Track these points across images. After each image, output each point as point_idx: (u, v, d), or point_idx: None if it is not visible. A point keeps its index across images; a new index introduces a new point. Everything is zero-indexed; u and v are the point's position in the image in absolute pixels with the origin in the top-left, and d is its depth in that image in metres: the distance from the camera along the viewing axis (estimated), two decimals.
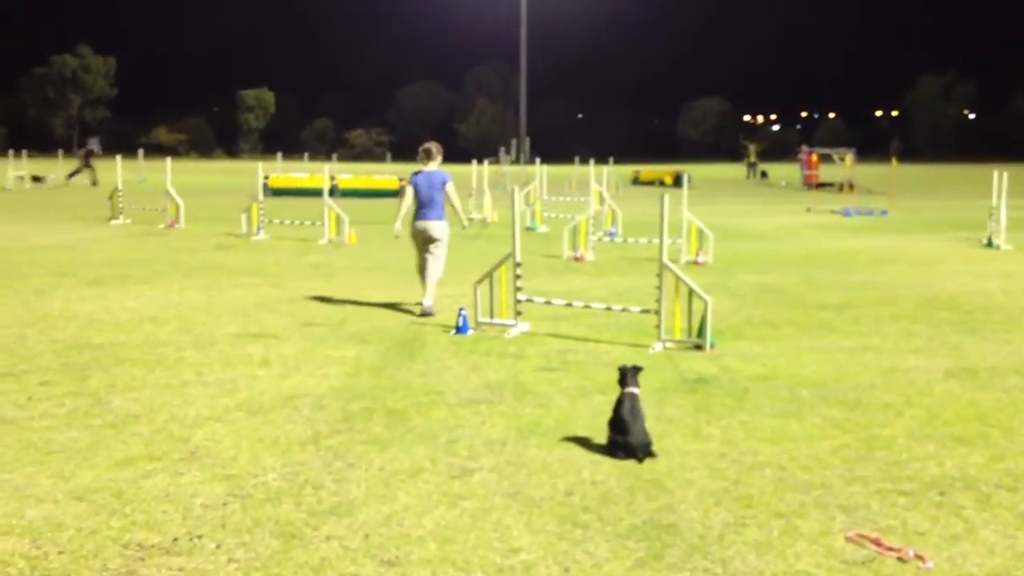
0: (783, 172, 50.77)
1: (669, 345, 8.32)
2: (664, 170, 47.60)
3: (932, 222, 23.14)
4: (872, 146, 78.26)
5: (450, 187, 10.07)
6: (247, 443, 5.65)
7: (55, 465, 5.23)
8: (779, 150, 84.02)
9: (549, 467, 5.27)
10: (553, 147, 71.62)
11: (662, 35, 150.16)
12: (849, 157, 37.52)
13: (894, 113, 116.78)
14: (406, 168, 48.90)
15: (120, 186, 21.37)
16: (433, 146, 10.28)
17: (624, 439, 5.37)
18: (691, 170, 41.80)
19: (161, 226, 19.83)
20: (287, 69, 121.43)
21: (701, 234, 14.96)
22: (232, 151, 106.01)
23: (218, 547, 4.21)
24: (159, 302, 10.65)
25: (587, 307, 9.53)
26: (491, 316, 9.09)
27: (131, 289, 11.58)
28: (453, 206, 10.17)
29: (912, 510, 4.69)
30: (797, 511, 4.66)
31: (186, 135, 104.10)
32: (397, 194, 32.64)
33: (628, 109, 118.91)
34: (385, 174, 38.09)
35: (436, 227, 10.01)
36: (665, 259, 8.32)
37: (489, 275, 9.08)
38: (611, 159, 38.31)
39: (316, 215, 18.49)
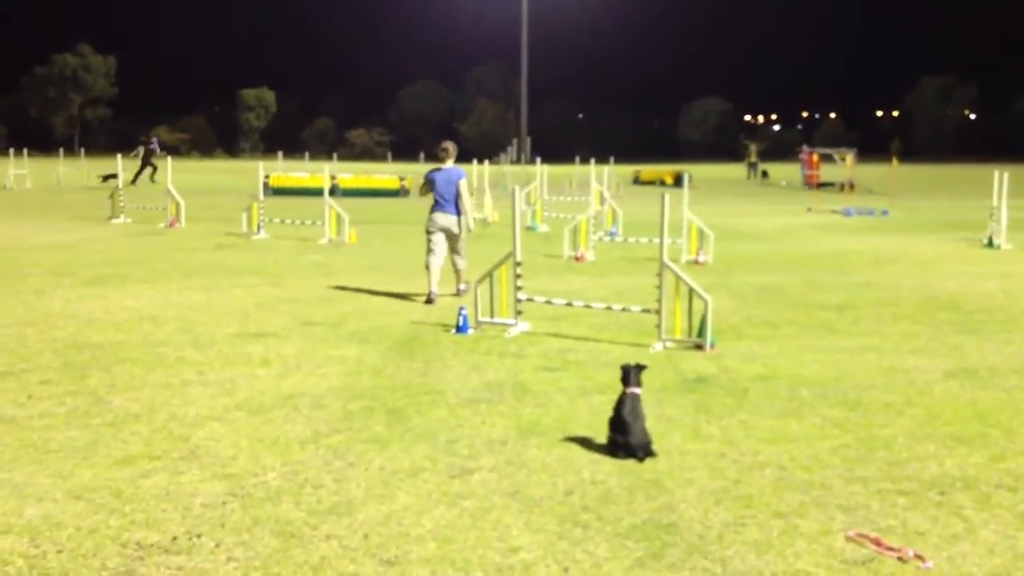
0: (784, 172, 50.74)
1: (669, 345, 8.32)
2: (665, 170, 47.60)
3: (933, 222, 23.10)
4: (873, 146, 78.16)
5: (463, 184, 10.73)
6: (247, 442, 5.65)
7: (54, 464, 5.23)
8: (780, 150, 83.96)
9: (549, 467, 5.26)
10: (554, 147, 71.63)
11: (663, 35, 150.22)
12: (850, 157, 37.58)
13: (895, 113, 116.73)
14: (406, 168, 49.10)
15: (121, 185, 21.39)
16: (450, 145, 11.10)
17: (624, 439, 5.36)
18: (692, 170, 41.73)
19: (161, 225, 19.82)
20: (288, 69, 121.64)
21: (701, 234, 14.96)
22: (233, 150, 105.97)
23: (217, 546, 4.21)
24: (159, 301, 10.65)
25: (587, 307, 9.53)
26: (491, 315, 9.09)
27: (131, 288, 11.58)
28: (463, 203, 10.72)
29: (912, 510, 4.69)
30: (797, 511, 4.66)
31: (187, 134, 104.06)
32: (397, 194, 32.79)
33: (629, 109, 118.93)
34: (386, 173, 38.08)
35: (453, 222, 10.78)
36: (665, 259, 8.31)
37: (489, 274, 9.08)
38: (612, 159, 38.30)
39: (317, 214, 18.48)
